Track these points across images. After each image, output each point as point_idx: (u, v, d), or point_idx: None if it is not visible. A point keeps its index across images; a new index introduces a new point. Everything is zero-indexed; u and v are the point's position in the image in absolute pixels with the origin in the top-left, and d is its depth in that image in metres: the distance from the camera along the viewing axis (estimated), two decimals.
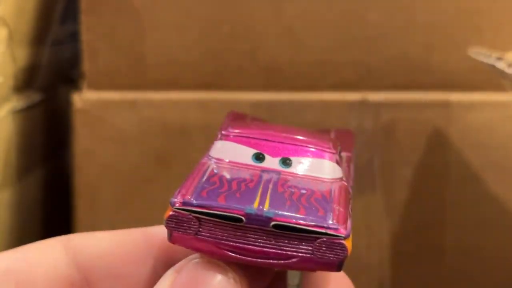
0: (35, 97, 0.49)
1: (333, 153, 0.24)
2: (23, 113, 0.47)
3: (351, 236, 0.21)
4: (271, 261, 0.20)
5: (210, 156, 0.23)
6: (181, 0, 0.45)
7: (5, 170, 0.45)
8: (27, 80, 0.48)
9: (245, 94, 0.46)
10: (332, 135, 0.29)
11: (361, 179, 0.46)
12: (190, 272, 0.21)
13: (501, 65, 0.34)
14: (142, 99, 0.46)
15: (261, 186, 0.21)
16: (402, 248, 0.47)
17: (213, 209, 0.20)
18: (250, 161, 0.23)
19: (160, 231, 0.24)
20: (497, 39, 0.45)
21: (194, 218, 0.20)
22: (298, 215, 0.20)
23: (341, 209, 0.21)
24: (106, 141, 0.46)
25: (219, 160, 0.23)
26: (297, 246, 0.20)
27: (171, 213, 0.20)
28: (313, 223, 0.20)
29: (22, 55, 0.47)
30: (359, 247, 0.47)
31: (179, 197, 0.20)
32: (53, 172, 0.53)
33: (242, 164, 0.23)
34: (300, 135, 0.24)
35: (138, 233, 0.24)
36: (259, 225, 0.20)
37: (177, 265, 0.21)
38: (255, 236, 0.20)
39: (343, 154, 0.26)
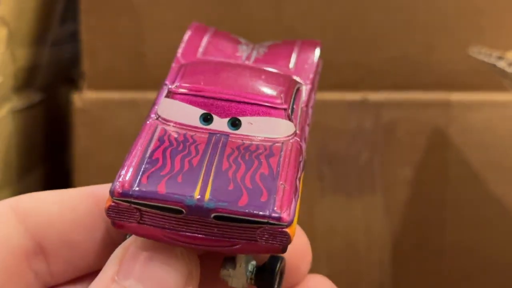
0: (35, 97, 0.49)
1: (285, 109, 0.23)
2: (23, 113, 0.47)
3: (295, 219, 0.20)
4: (216, 248, 0.20)
5: (157, 114, 0.23)
6: (181, 0, 0.45)
7: (5, 170, 0.45)
8: (27, 80, 0.48)
9: None
10: (295, 52, 0.27)
11: (361, 179, 0.46)
12: (140, 246, 0.20)
13: (501, 64, 0.34)
14: (142, 99, 0.46)
15: (205, 163, 0.20)
16: (402, 248, 0.47)
17: (153, 201, 0.19)
18: (197, 122, 0.22)
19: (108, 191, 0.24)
20: (497, 38, 0.45)
21: (134, 209, 0.20)
22: (239, 205, 0.19)
23: (287, 187, 0.20)
24: (106, 141, 0.46)
25: (166, 121, 0.22)
26: (240, 234, 0.20)
27: (111, 203, 0.20)
28: (255, 212, 0.19)
29: (22, 55, 0.47)
30: (359, 247, 0.47)
31: (118, 185, 0.20)
32: (53, 172, 0.53)
33: (189, 126, 0.22)
34: (253, 85, 0.23)
35: (88, 194, 0.23)
36: (200, 216, 0.19)
37: (127, 240, 0.21)
38: (197, 226, 0.20)
39: (303, 87, 0.25)
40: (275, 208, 0.19)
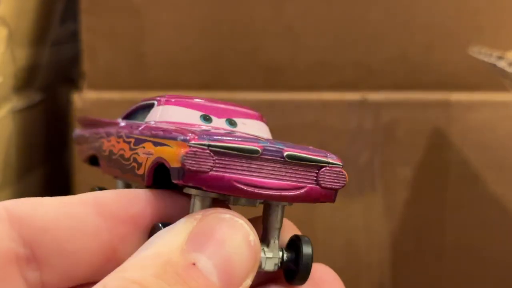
0: (35, 97, 0.49)
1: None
2: (23, 113, 0.47)
3: None
4: (282, 193, 0.21)
5: (156, 121, 0.23)
6: (181, 0, 0.45)
7: (5, 170, 0.45)
8: (27, 80, 0.48)
9: (245, 94, 0.46)
10: None
11: (361, 179, 0.46)
12: (213, 222, 0.20)
13: (501, 64, 0.34)
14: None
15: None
16: (402, 248, 0.47)
17: (232, 142, 0.20)
18: (199, 121, 0.23)
19: (113, 198, 0.22)
20: (497, 38, 0.45)
21: (211, 153, 0.20)
22: (302, 149, 0.21)
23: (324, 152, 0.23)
24: None
25: (168, 123, 0.23)
26: (305, 176, 0.22)
27: (188, 149, 0.20)
28: (320, 154, 0.22)
29: (22, 55, 0.47)
30: (359, 247, 0.47)
31: (191, 135, 0.20)
32: (53, 172, 0.53)
33: (194, 125, 0.23)
34: (235, 104, 0.25)
35: (89, 201, 0.22)
36: (274, 156, 0.21)
37: (196, 213, 0.21)
38: (269, 168, 0.21)
39: None
40: (331, 155, 0.22)
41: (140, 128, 0.23)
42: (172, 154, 0.20)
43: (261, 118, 0.25)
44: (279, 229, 0.23)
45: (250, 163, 0.21)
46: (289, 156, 0.21)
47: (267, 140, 0.22)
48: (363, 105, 0.46)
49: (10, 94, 0.46)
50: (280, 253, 0.23)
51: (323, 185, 0.22)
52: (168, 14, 0.45)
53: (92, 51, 0.46)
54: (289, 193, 0.22)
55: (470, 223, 0.46)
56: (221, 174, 0.20)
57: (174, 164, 0.20)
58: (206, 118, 0.24)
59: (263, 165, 0.21)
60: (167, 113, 0.24)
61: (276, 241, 0.23)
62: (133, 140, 0.23)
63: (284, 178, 0.21)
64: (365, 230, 0.47)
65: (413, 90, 0.46)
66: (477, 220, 0.46)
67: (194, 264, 0.19)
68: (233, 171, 0.20)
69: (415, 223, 0.47)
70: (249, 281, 0.20)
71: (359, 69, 0.46)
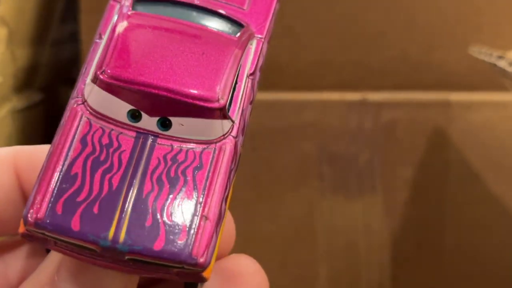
0: (35, 97, 0.49)
1: (220, 109, 0.20)
2: (23, 113, 0.47)
3: (214, 257, 0.19)
4: (133, 274, 0.20)
5: (85, 100, 0.21)
6: None
7: None
8: (27, 80, 0.48)
9: None
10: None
11: (361, 179, 0.46)
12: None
13: (502, 63, 0.34)
14: None
15: (126, 185, 0.19)
16: (402, 248, 0.47)
17: (67, 237, 0.18)
18: (125, 118, 0.20)
19: (30, 152, 0.22)
20: (497, 38, 0.45)
21: (48, 238, 0.19)
22: (154, 249, 0.18)
23: (210, 218, 0.19)
24: None
25: (91, 109, 0.20)
26: (155, 271, 0.19)
27: (24, 231, 0.19)
28: (170, 258, 0.18)
29: (22, 55, 0.47)
30: (359, 247, 0.47)
31: (31, 213, 0.18)
32: None
33: (116, 121, 0.20)
34: (189, 73, 0.20)
35: (9, 162, 0.22)
36: (114, 257, 0.19)
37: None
38: (113, 261, 0.19)
39: (253, 42, 0.23)
40: (192, 253, 0.18)
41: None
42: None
43: (209, 114, 0.20)
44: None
45: (92, 253, 0.19)
46: (132, 260, 0.19)
47: (116, 232, 0.18)
48: (363, 105, 0.46)
49: (10, 94, 0.46)
50: None
51: (179, 277, 0.19)
52: None
53: None
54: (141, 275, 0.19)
55: (470, 223, 0.46)
56: (64, 251, 0.19)
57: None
58: (135, 116, 0.20)
59: (105, 258, 0.19)
60: (95, 96, 0.20)
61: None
62: None
63: (129, 270, 0.19)
64: (365, 230, 0.47)
65: (413, 90, 0.46)
66: (477, 220, 0.46)
67: None
68: (76, 252, 0.19)
69: (415, 223, 0.47)
70: None
71: (359, 69, 0.46)
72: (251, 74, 0.22)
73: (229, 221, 0.24)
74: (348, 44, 0.46)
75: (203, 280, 0.19)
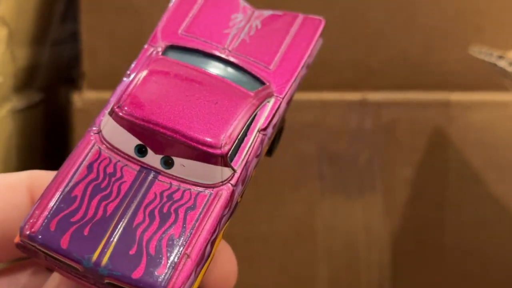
0: (35, 97, 0.49)
1: (222, 156, 0.21)
2: (23, 113, 0.47)
3: None
4: None
5: (100, 131, 0.22)
6: None
7: (5, 170, 0.45)
8: (27, 80, 0.48)
9: None
10: (287, 41, 0.26)
11: (361, 179, 0.46)
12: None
13: (502, 63, 0.34)
14: None
15: (119, 214, 0.20)
16: (402, 248, 0.47)
17: (54, 253, 0.20)
18: (132, 152, 0.21)
19: (45, 177, 0.23)
20: (497, 38, 0.45)
21: (39, 252, 0.20)
22: (132, 277, 0.19)
23: (192, 257, 0.20)
24: None
25: (104, 140, 0.22)
26: None
27: (18, 241, 0.21)
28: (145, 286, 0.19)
29: (22, 55, 0.47)
30: (359, 247, 0.47)
31: (28, 226, 0.20)
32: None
33: (123, 154, 0.21)
34: (198, 120, 0.21)
35: (24, 184, 0.23)
36: (94, 278, 0.20)
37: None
38: (94, 283, 0.20)
39: (271, 100, 0.24)
40: (167, 286, 0.19)
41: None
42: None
43: (210, 159, 0.21)
44: None
45: (76, 271, 0.20)
46: (110, 284, 0.20)
47: (101, 255, 0.19)
48: (363, 105, 0.46)
49: (10, 94, 0.46)
50: None
51: None
52: None
53: (92, 51, 0.46)
54: None
55: (470, 223, 0.46)
56: (53, 266, 0.20)
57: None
58: (141, 151, 0.21)
59: (87, 277, 0.20)
60: (110, 128, 0.22)
61: None
62: None
63: None
64: (365, 230, 0.47)
65: (413, 90, 0.46)
66: (477, 220, 0.46)
67: None
68: (63, 268, 0.20)
69: (415, 223, 0.47)
70: None
71: (359, 69, 0.46)
72: (262, 130, 0.23)
73: (230, 261, 0.24)
74: (348, 44, 0.46)
75: None
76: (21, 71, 0.47)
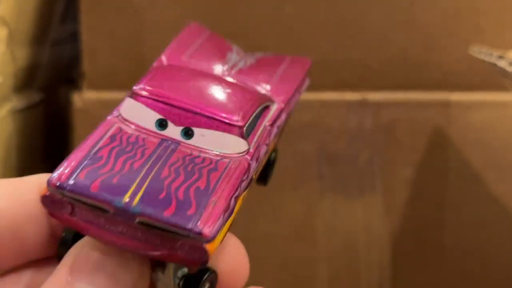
0: (35, 97, 0.49)
1: (239, 127, 0.23)
2: (23, 113, 0.47)
3: (219, 236, 0.20)
4: (139, 251, 0.20)
5: (119, 112, 0.23)
6: (181, 0, 0.45)
7: (5, 170, 0.45)
8: (27, 80, 0.48)
9: None
10: (280, 69, 0.28)
11: (361, 179, 0.46)
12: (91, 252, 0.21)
13: (502, 63, 0.34)
14: None
15: (146, 168, 0.21)
16: (402, 248, 0.47)
17: (84, 196, 0.20)
18: (153, 126, 0.22)
19: None
20: (497, 38, 0.45)
21: (66, 201, 0.20)
22: (164, 215, 0.19)
23: (218, 204, 0.20)
24: None
25: (125, 120, 0.23)
26: (162, 242, 0.20)
27: (45, 193, 0.20)
28: (178, 224, 0.19)
29: (22, 55, 0.47)
30: (359, 247, 0.47)
31: (55, 176, 0.20)
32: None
33: (144, 129, 0.22)
34: (215, 98, 0.23)
35: (34, 185, 0.23)
36: (125, 219, 0.20)
37: (79, 242, 0.21)
38: (123, 227, 0.20)
39: (274, 105, 0.25)
40: (199, 223, 0.19)
41: None
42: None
43: (229, 128, 0.23)
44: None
45: (106, 218, 0.20)
46: (141, 223, 0.20)
47: (132, 196, 0.20)
48: (363, 105, 0.46)
49: (10, 94, 0.46)
50: (177, 279, 0.23)
51: (182, 254, 0.20)
52: (168, 14, 0.45)
53: (92, 51, 0.46)
54: (145, 252, 0.20)
55: (470, 223, 0.46)
56: (78, 220, 0.20)
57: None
58: (162, 124, 0.22)
59: (117, 222, 0.20)
60: (130, 108, 0.23)
61: (171, 270, 0.22)
62: None
63: (138, 238, 0.20)
64: (365, 230, 0.47)
65: (413, 90, 0.46)
66: (477, 220, 0.46)
67: None
68: (89, 220, 0.20)
69: (415, 223, 0.47)
70: None
71: (359, 69, 0.46)
72: (269, 124, 0.25)
73: (241, 254, 0.25)
74: (348, 44, 0.46)
75: (206, 257, 0.20)
76: (21, 71, 0.47)
